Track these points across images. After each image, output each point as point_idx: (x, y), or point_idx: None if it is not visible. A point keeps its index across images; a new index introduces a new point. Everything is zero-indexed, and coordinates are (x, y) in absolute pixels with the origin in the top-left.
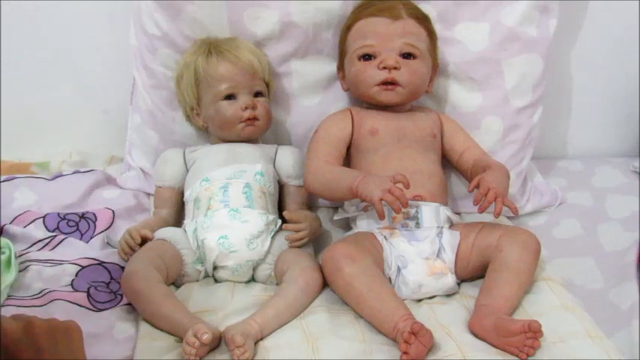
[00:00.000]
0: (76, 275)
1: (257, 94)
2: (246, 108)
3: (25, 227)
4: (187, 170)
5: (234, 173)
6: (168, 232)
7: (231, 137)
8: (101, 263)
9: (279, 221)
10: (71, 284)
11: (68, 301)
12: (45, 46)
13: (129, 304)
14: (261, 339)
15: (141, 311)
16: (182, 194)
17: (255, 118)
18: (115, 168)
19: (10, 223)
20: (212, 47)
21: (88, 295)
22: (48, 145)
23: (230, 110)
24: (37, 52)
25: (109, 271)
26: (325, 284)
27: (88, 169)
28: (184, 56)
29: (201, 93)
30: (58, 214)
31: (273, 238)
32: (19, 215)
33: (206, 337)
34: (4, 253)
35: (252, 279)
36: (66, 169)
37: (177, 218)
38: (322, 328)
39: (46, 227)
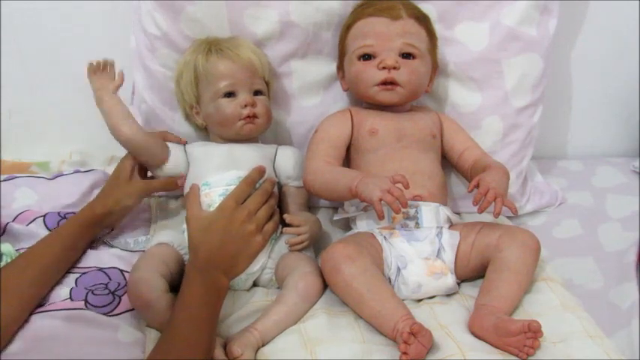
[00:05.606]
0: (76, 284)
1: (257, 93)
2: (246, 105)
3: (26, 226)
4: (188, 162)
5: (233, 180)
6: (169, 236)
7: (230, 135)
8: (101, 269)
9: (280, 226)
10: (69, 295)
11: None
12: (45, 46)
13: (130, 309)
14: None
15: (149, 320)
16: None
17: (254, 116)
18: None
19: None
20: (212, 45)
21: (86, 302)
22: (48, 145)
23: (230, 108)
24: (37, 52)
25: (108, 276)
26: (325, 287)
27: (88, 169)
28: (184, 55)
29: (200, 91)
30: (59, 213)
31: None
32: (20, 214)
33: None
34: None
35: (254, 283)
36: (66, 169)
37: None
38: (321, 332)
39: (46, 226)
